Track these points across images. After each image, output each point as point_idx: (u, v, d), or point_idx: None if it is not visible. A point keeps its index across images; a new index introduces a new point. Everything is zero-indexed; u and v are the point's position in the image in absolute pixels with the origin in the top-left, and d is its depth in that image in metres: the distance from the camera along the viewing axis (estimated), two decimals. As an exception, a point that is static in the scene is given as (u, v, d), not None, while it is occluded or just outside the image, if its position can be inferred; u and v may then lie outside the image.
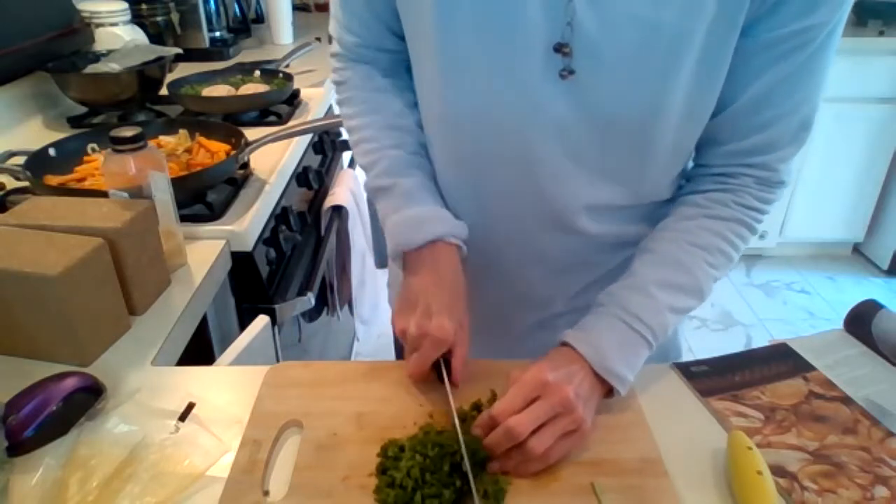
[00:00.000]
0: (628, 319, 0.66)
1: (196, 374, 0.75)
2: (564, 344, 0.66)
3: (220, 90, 1.58)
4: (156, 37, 1.93)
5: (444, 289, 0.69)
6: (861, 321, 0.80)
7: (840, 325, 0.82)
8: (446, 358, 0.68)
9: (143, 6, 1.94)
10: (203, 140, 1.21)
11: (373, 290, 1.72)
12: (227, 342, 0.89)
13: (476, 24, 0.65)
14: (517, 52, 0.65)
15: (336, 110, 1.85)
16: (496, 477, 0.59)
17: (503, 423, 0.58)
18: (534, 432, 0.58)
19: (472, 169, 0.75)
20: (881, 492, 0.59)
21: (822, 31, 0.62)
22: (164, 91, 1.57)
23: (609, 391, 0.65)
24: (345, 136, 1.89)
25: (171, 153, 1.15)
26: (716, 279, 0.71)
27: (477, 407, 0.65)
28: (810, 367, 0.75)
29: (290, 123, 1.51)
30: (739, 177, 0.71)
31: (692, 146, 0.73)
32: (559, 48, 0.63)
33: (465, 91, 0.70)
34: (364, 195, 1.65)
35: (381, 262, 1.72)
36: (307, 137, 1.50)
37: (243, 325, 0.96)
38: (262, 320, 0.93)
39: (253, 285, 1.08)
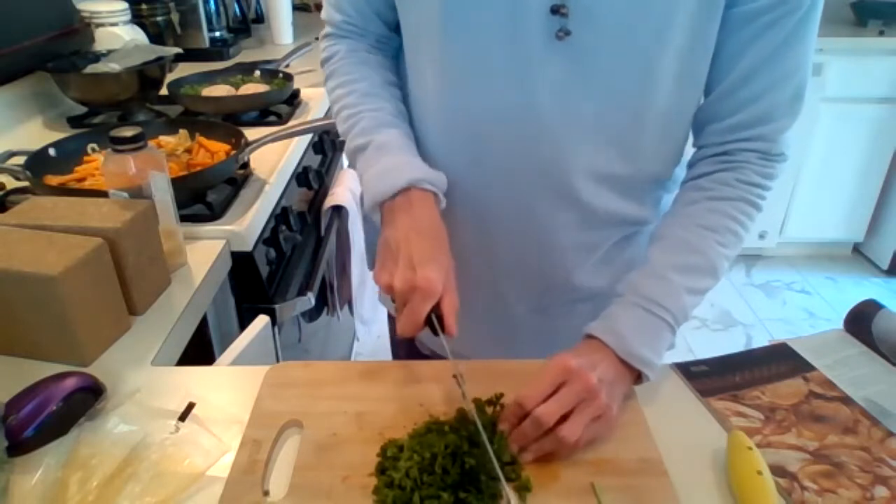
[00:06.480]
0: (646, 304, 0.68)
1: (196, 374, 0.75)
2: (588, 336, 0.67)
3: (220, 90, 1.58)
4: (156, 37, 1.93)
5: (424, 236, 0.67)
6: (861, 321, 0.80)
7: (840, 325, 0.82)
8: (436, 309, 0.65)
9: (143, 6, 1.94)
10: (203, 140, 1.21)
11: (373, 290, 1.72)
12: (227, 342, 0.89)
13: None
14: (517, 14, 0.67)
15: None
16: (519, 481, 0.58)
17: (531, 415, 0.59)
18: (561, 420, 0.59)
19: (472, 139, 0.75)
20: (881, 492, 0.59)
21: None
22: (164, 91, 1.57)
23: (638, 377, 0.67)
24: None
25: (171, 153, 1.15)
26: (728, 258, 0.72)
27: (491, 402, 0.65)
28: (810, 367, 0.75)
29: (290, 123, 1.51)
30: (740, 153, 0.73)
31: (689, 117, 0.75)
32: (556, 9, 0.65)
33: (465, 55, 0.71)
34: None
35: (372, 263, 1.72)
36: (307, 137, 1.50)
37: (243, 325, 0.96)
38: (262, 320, 0.93)
39: (253, 285, 1.08)
